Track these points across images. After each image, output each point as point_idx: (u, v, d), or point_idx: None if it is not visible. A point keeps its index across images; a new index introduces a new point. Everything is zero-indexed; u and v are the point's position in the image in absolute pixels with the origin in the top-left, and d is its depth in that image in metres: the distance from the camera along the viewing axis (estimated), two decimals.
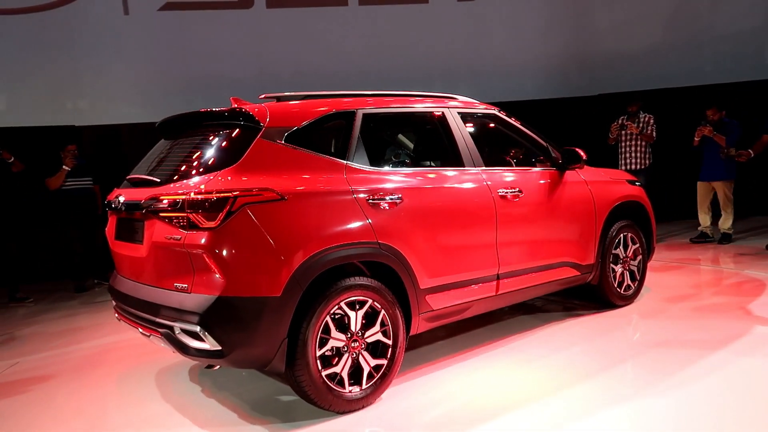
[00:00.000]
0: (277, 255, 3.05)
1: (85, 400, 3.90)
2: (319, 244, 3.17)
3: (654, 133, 8.06)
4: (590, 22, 10.96)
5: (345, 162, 3.47)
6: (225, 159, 3.18)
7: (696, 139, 7.83)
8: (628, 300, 5.20)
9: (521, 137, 4.73)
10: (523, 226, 4.31)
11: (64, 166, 7.77)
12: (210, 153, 3.31)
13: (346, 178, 3.41)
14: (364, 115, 3.68)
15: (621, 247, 5.12)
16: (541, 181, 4.55)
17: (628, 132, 8.09)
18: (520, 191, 4.28)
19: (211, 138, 3.42)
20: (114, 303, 3.80)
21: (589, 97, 10.77)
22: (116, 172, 9.34)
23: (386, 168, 3.77)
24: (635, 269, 5.27)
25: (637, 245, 5.26)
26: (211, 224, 2.97)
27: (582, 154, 4.68)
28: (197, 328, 2.95)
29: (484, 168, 4.16)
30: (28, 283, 8.70)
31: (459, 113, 4.25)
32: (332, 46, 10.48)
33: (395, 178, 3.67)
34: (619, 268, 5.12)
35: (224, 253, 2.97)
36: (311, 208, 3.20)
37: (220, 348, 2.99)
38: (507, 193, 4.18)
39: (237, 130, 3.34)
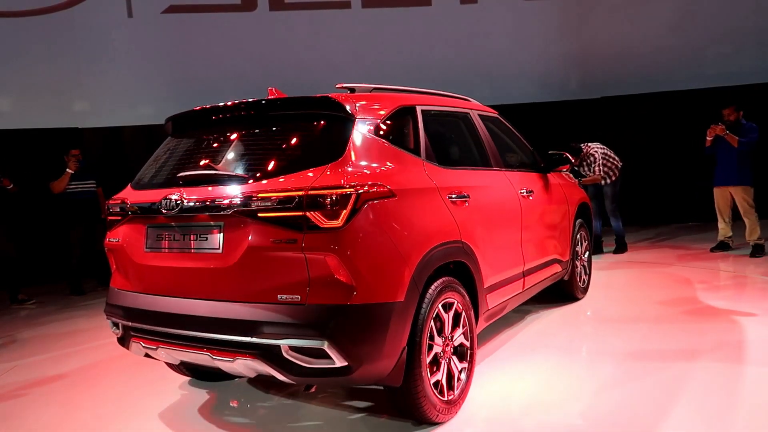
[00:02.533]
0: (399, 255, 2.84)
1: (85, 404, 3.88)
2: (428, 242, 3.03)
3: (600, 169, 7.68)
4: (592, 25, 10.93)
5: (421, 158, 3.33)
6: (325, 152, 2.86)
7: (708, 138, 7.23)
8: (585, 292, 5.74)
9: (513, 140, 4.86)
10: (535, 225, 4.54)
11: (67, 170, 7.80)
12: (303, 145, 2.98)
13: (427, 175, 3.28)
14: (423, 111, 3.55)
15: (579, 244, 5.55)
16: (541, 183, 4.80)
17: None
18: (532, 191, 4.51)
19: (295, 129, 3.07)
20: (135, 329, 3.14)
21: (590, 100, 10.75)
22: (119, 174, 9.44)
23: (451, 166, 3.66)
24: (586, 264, 5.76)
25: (587, 242, 5.76)
26: (335, 223, 2.64)
27: (571, 158, 4.95)
28: (321, 343, 2.60)
29: (504, 169, 4.31)
30: (29, 285, 8.72)
31: (479, 115, 4.35)
32: (335, 49, 10.49)
33: (461, 176, 3.65)
34: (578, 264, 5.55)
35: (351, 255, 2.66)
36: (414, 204, 3.04)
37: (346, 364, 2.65)
38: (525, 193, 4.39)
39: (327, 120, 3.02)
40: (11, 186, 7.46)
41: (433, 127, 3.63)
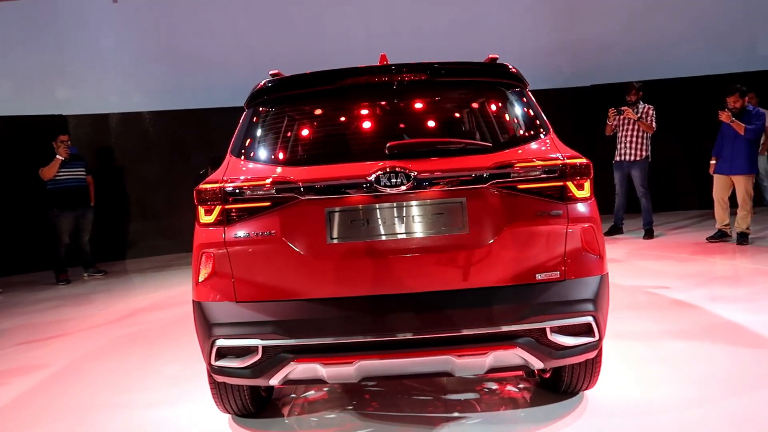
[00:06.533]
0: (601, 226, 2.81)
1: (72, 391, 3.84)
2: None
3: (654, 123, 7.79)
4: (582, 13, 10.90)
5: None
6: (532, 122, 2.83)
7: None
8: None
9: None
10: None
11: (57, 156, 7.68)
12: (515, 115, 2.91)
13: None
14: None
15: None
16: None
17: (625, 118, 7.85)
18: None
19: (496, 98, 2.97)
20: (303, 348, 2.52)
21: (580, 87, 10.74)
22: (106, 162, 9.34)
23: None
24: None
25: None
26: (585, 194, 2.61)
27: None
28: (589, 319, 2.54)
29: None
30: (13, 274, 8.64)
31: None
32: (325, 29, 10.40)
33: None
34: None
35: (598, 225, 2.65)
36: None
37: (598, 337, 2.60)
38: None
39: (517, 90, 2.93)
40: None
41: None
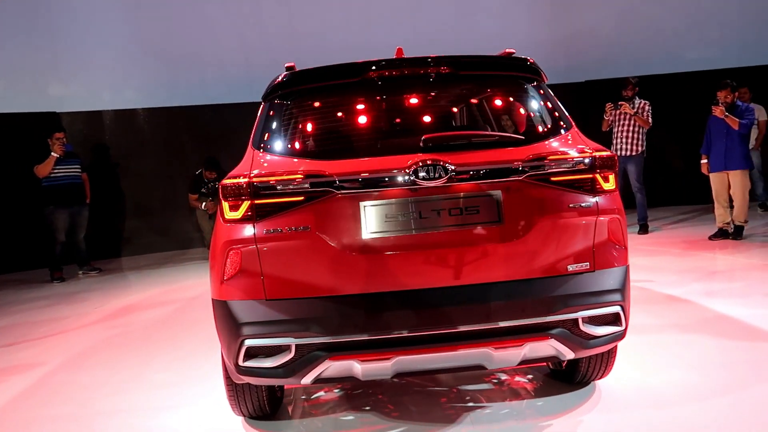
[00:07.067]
0: None
1: (69, 394, 3.82)
2: None
3: (650, 118, 7.82)
4: (576, 10, 10.90)
5: None
6: (553, 115, 2.88)
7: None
8: None
9: None
10: None
11: (53, 153, 7.64)
12: (537, 109, 2.96)
13: None
14: None
15: None
16: None
17: (621, 113, 7.88)
18: None
19: (515, 91, 3.06)
20: (336, 346, 2.45)
21: (574, 83, 10.74)
22: (100, 159, 9.30)
23: None
24: None
25: None
26: (610, 186, 2.67)
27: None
28: (617, 309, 2.61)
29: None
30: (9, 272, 8.61)
31: None
32: (322, 25, 10.37)
33: None
34: None
35: (622, 217, 2.72)
36: None
37: (625, 327, 2.68)
38: None
39: (536, 83, 2.96)
40: None
41: None
